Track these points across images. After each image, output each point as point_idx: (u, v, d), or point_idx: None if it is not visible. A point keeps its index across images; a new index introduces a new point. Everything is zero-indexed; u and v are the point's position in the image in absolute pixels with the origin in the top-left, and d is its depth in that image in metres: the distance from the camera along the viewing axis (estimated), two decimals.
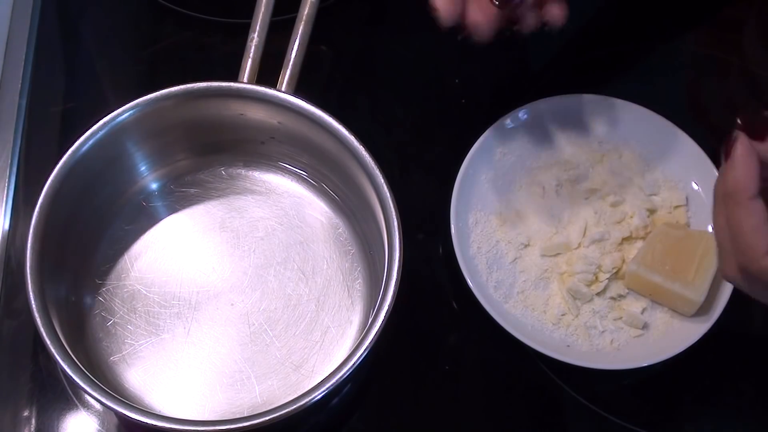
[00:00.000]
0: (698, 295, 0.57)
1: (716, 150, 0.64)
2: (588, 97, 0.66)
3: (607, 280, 0.60)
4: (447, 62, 0.72)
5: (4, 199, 0.64)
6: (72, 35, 0.73)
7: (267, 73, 0.59)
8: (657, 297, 0.60)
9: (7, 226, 0.63)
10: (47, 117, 0.68)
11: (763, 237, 0.42)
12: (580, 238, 0.61)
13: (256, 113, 0.59)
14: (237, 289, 0.59)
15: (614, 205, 0.63)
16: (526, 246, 0.62)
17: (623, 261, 0.61)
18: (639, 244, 0.62)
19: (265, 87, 0.57)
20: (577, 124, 0.66)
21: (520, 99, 0.67)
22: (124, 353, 0.57)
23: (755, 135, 0.44)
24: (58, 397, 0.58)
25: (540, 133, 0.65)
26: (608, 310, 0.60)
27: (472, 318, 0.60)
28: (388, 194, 0.54)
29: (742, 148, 0.43)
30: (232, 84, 0.58)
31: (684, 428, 0.61)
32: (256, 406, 0.56)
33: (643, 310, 0.60)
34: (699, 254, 0.58)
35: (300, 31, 0.59)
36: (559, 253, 0.61)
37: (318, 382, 0.49)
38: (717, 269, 0.55)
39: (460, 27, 0.53)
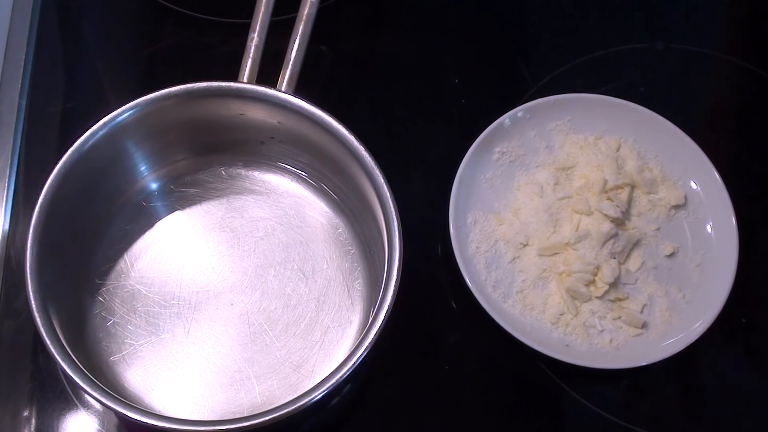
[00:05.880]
0: None
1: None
2: (587, 97, 0.66)
3: (607, 286, 0.60)
4: (447, 62, 0.72)
5: (4, 199, 0.64)
6: (72, 35, 0.73)
7: (267, 73, 0.59)
8: None
9: (7, 226, 0.63)
10: (47, 117, 0.68)
11: None
12: (574, 236, 0.61)
13: (256, 113, 0.59)
14: (237, 289, 0.59)
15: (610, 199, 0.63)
16: (524, 245, 0.62)
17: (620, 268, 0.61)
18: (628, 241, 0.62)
19: (265, 87, 0.57)
20: (576, 123, 0.66)
21: (519, 99, 0.67)
22: (124, 353, 0.57)
23: None
24: (58, 397, 0.58)
25: (538, 133, 0.65)
26: (607, 310, 0.60)
27: (471, 317, 0.60)
28: (388, 194, 0.54)
29: None
30: (232, 84, 0.58)
31: (684, 428, 0.61)
32: (256, 406, 0.56)
33: (643, 309, 0.60)
34: None
35: (300, 31, 0.59)
36: (556, 253, 0.62)
37: (318, 382, 0.49)
38: None
39: None
